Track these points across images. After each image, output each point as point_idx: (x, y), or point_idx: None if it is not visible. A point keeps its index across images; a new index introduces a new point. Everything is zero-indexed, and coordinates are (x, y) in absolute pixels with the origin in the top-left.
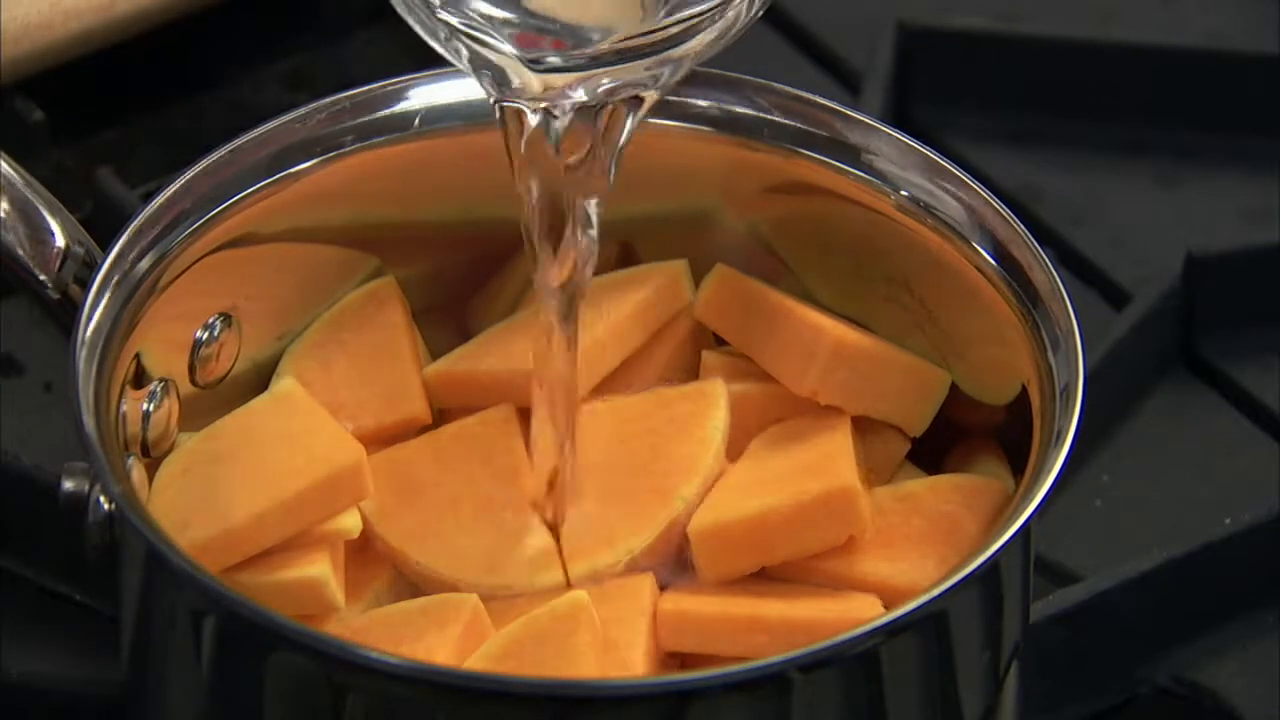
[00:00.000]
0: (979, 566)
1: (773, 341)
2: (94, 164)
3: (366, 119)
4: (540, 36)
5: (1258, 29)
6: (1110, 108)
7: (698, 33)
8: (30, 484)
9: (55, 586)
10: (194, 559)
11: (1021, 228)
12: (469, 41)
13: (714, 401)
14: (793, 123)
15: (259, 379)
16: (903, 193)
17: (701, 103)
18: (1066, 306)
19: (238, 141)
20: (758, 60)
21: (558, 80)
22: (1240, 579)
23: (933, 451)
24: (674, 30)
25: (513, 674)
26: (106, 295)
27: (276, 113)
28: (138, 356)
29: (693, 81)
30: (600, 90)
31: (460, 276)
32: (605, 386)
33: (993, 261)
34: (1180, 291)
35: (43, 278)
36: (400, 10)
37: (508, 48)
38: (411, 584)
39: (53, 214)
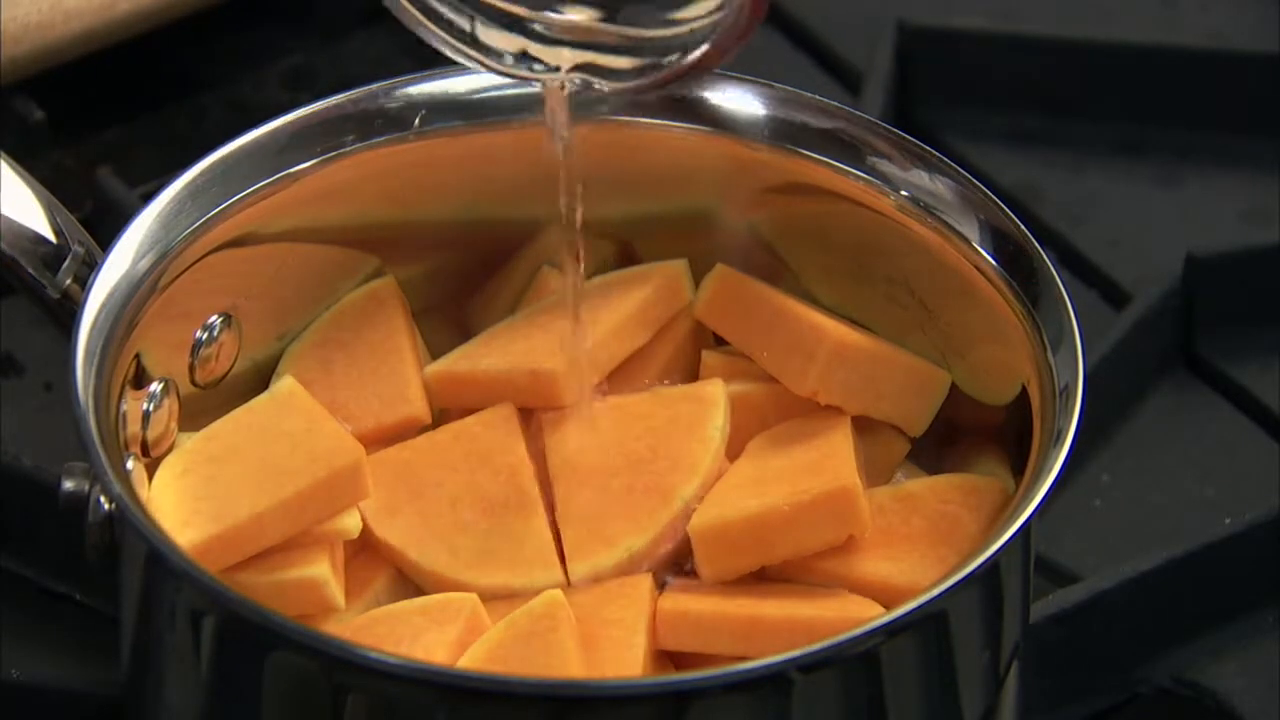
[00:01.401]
0: (979, 566)
1: (773, 341)
2: (94, 164)
3: (366, 119)
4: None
5: (1258, 29)
6: (1110, 108)
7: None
8: (30, 484)
9: (55, 586)
10: (194, 559)
11: (1021, 228)
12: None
13: (714, 401)
14: (793, 122)
15: (259, 379)
16: (903, 193)
17: (701, 103)
18: (1066, 306)
19: (238, 141)
20: (758, 60)
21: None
22: (1240, 579)
23: (933, 451)
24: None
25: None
26: (106, 295)
27: (276, 113)
28: (138, 356)
29: (693, 81)
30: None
31: (460, 276)
32: (605, 386)
33: (993, 261)
34: (1180, 291)
35: (43, 278)
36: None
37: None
38: (411, 584)
39: (53, 214)
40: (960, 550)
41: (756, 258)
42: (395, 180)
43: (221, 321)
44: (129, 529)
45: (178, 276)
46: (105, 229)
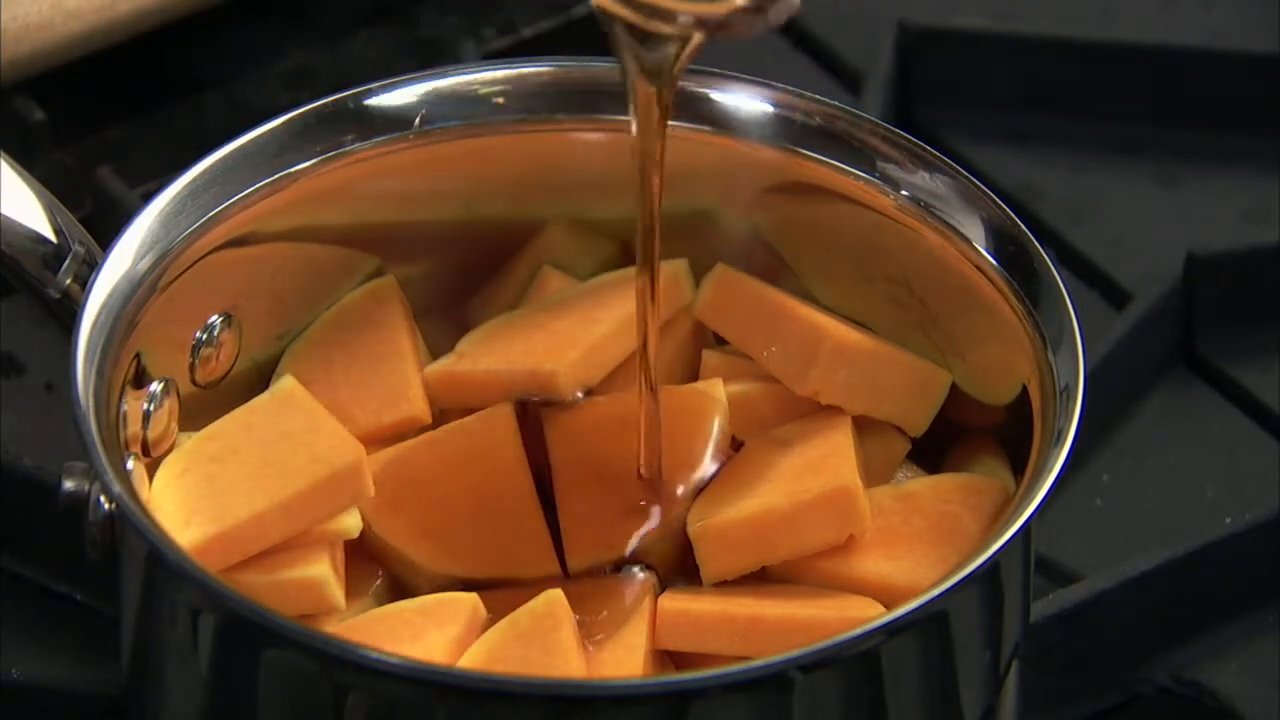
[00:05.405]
0: (979, 566)
1: (773, 341)
2: (94, 164)
3: (366, 119)
4: None
5: (1258, 29)
6: (1110, 108)
7: None
8: (30, 484)
9: (55, 586)
10: (194, 559)
11: (1022, 228)
12: None
13: (714, 401)
14: (793, 122)
15: (259, 379)
16: (903, 193)
17: (701, 103)
18: (1067, 306)
19: (238, 141)
20: (758, 60)
21: None
22: (1240, 579)
23: (933, 451)
24: None
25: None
26: (106, 295)
27: (276, 113)
28: (138, 356)
29: (693, 81)
30: None
31: (460, 276)
32: (606, 385)
33: (993, 261)
34: (1180, 291)
35: (43, 278)
36: None
37: None
38: (411, 584)
39: (53, 214)
40: (960, 550)
41: (756, 258)
42: (395, 180)
43: (221, 321)
44: (129, 529)
45: (178, 276)
46: (105, 229)
